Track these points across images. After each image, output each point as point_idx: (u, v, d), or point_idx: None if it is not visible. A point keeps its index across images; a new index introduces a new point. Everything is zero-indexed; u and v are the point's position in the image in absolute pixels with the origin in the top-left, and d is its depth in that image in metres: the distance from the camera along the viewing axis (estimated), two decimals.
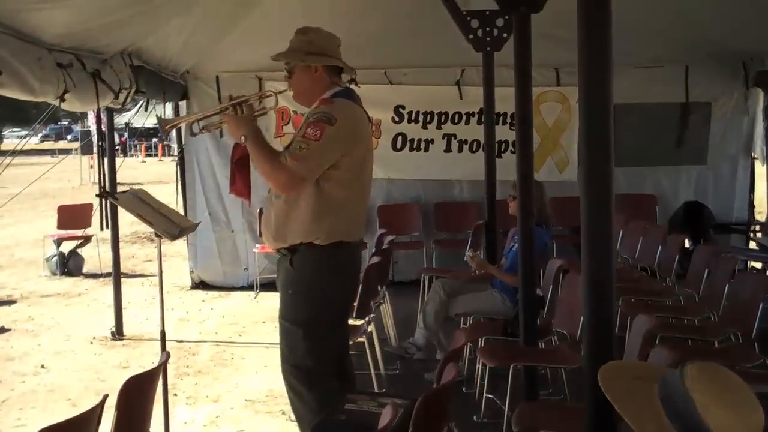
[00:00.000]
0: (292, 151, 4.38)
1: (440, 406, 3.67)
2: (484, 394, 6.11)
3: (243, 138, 4.46)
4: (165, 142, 44.27)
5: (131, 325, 9.29)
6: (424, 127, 11.18)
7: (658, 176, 11.43)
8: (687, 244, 10.19)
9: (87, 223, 13.28)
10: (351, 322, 5.57)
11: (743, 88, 11.14)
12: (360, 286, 5.67)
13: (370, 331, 6.80)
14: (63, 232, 13.20)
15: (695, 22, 9.74)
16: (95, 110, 11.83)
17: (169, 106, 11.43)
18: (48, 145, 55.15)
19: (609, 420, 3.47)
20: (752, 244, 11.08)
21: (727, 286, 6.57)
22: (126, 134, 45.50)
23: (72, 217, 13.36)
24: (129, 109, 10.16)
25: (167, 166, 32.25)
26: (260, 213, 8.35)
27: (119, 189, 7.15)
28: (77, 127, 53.72)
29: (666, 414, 1.82)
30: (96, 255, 13.03)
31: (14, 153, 9.21)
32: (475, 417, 6.13)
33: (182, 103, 10.95)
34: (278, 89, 4.94)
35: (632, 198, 10.90)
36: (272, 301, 9.61)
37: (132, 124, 37.23)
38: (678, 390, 1.78)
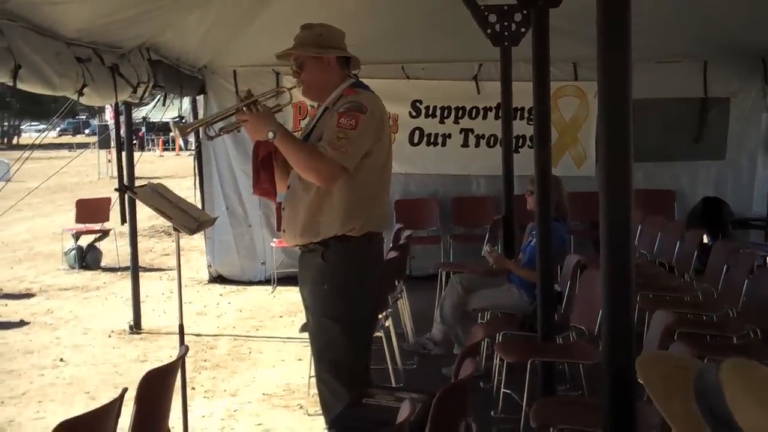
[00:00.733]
0: (331, 141, 4.29)
1: (458, 401, 3.67)
2: (502, 390, 6.10)
3: (270, 134, 4.33)
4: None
5: (149, 318, 9.33)
6: (442, 121, 11.17)
7: (677, 172, 11.38)
8: (705, 239, 10.14)
9: (105, 217, 13.33)
10: None
11: (762, 83, 11.07)
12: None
13: (388, 326, 6.81)
14: (81, 226, 13.26)
15: (714, 18, 9.70)
16: (113, 104, 11.84)
17: (186, 100, 11.45)
18: (66, 139, 55.34)
19: (627, 416, 3.47)
20: None
21: (746, 281, 6.54)
22: (143, 128, 45.63)
23: (90, 211, 13.41)
24: (147, 104, 10.13)
25: (184, 161, 32.35)
26: (278, 207, 8.34)
27: (137, 183, 7.17)
28: (95, 122, 53.93)
29: (697, 403, 1.81)
30: (114, 249, 13.11)
31: (33, 147, 9.26)
32: (492, 412, 6.12)
33: (200, 98, 10.97)
34: (290, 85, 4.86)
35: (650, 193, 10.85)
36: (289, 295, 9.67)
37: (149, 118, 37.34)
38: (711, 381, 1.77)
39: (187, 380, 5.93)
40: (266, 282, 11.08)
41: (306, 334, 4.89)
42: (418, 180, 11.32)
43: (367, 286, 4.56)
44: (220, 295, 10.77)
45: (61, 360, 8.02)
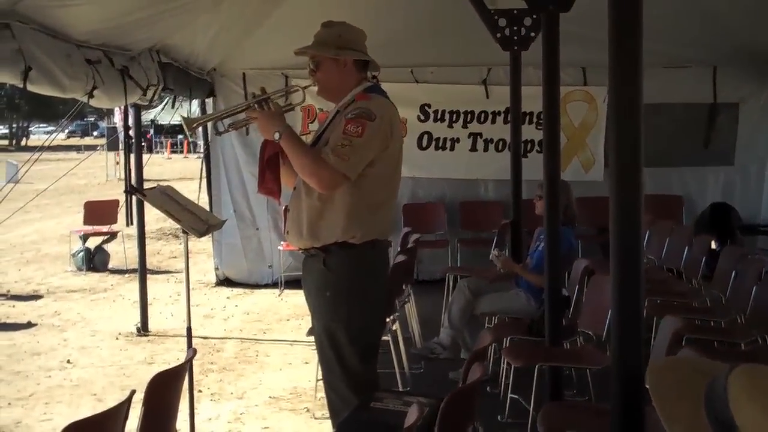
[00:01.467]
0: (334, 148, 4.22)
1: (465, 406, 3.66)
2: (509, 394, 6.09)
3: (277, 135, 4.27)
4: (191, 139, 44.44)
5: (156, 321, 9.33)
6: (450, 126, 11.16)
7: (685, 177, 11.37)
8: (714, 245, 10.12)
9: (113, 219, 13.34)
10: None
11: None
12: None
13: (395, 330, 6.80)
14: (89, 228, 13.28)
15: (723, 23, 9.69)
16: (122, 107, 11.89)
17: (195, 103, 11.48)
18: (74, 141, 55.55)
19: (636, 421, 3.46)
20: None
21: (754, 287, 6.52)
22: (152, 131, 45.72)
23: (98, 213, 13.43)
24: (155, 106, 10.16)
25: (193, 163, 32.45)
26: (285, 210, 8.35)
27: (146, 185, 7.18)
28: (103, 124, 54.10)
29: (705, 408, 1.80)
30: (122, 251, 13.11)
31: (41, 149, 9.28)
32: (499, 417, 6.11)
33: (209, 101, 10.99)
34: (304, 84, 4.74)
35: (659, 199, 10.82)
36: (296, 298, 9.65)
37: (158, 121, 37.42)
38: (719, 387, 1.76)
39: (194, 383, 5.92)
40: (273, 285, 11.09)
41: (313, 338, 4.86)
42: (426, 184, 11.32)
43: (372, 292, 4.50)
44: (228, 297, 10.77)
45: (68, 362, 8.03)
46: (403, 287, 7.33)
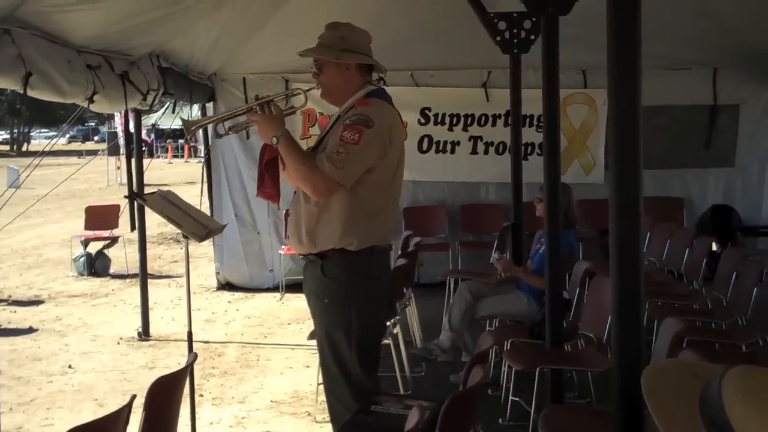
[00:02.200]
0: (330, 155, 4.16)
1: (466, 409, 3.66)
2: (510, 397, 6.09)
3: (275, 139, 4.23)
4: (192, 144, 44.45)
5: (157, 325, 9.33)
6: (451, 129, 11.16)
7: (686, 179, 11.37)
8: (714, 247, 10.11)
9: (114, 224, 13.33)
10: None
11: None
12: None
13: (396, 333, 6.80)
14: (90, 233, 13.26)
15: (724, 25, 9.69)
16: (122, 111, 11.88)
17: (195, 107, 11.48)
18: (75, 146, 55.57)
19: (637, 423, 3.46)
20: None
21: (755, 289, 6.52)
22: (152, 135, 45.75)
23: (99, 217, 13.41)
24: (156, 111, 10.16)
25: (193, 168, 32.43)
26: (286, 214, 8.33)
27: (146, 190, 7.19)
28: (104, 128, 54.10)
29: (700, 411, 1.80)
30: (123, 256, 13.13)
31: (42, 154, 9.28)
32: (500, 420, 6.11)
33: (209, 105, 10.99)
34: (306, 87, 4.69)
35: (659, 201, 10.81)
36: (297, 302, 9.66)
37: (159, 125, 37.45)
38: (713, 389, 1.76)
39: (196, 387, 5.93)
40: (274, 289, 11.08)
41: (314, 342, 4.85)
42: (426, 187, 11.32)
43: (371, 298, 4.44)
44: (229, 302, 10.77)
45: (70, 367, 8.03)
46: (404, 290, 7.33)
